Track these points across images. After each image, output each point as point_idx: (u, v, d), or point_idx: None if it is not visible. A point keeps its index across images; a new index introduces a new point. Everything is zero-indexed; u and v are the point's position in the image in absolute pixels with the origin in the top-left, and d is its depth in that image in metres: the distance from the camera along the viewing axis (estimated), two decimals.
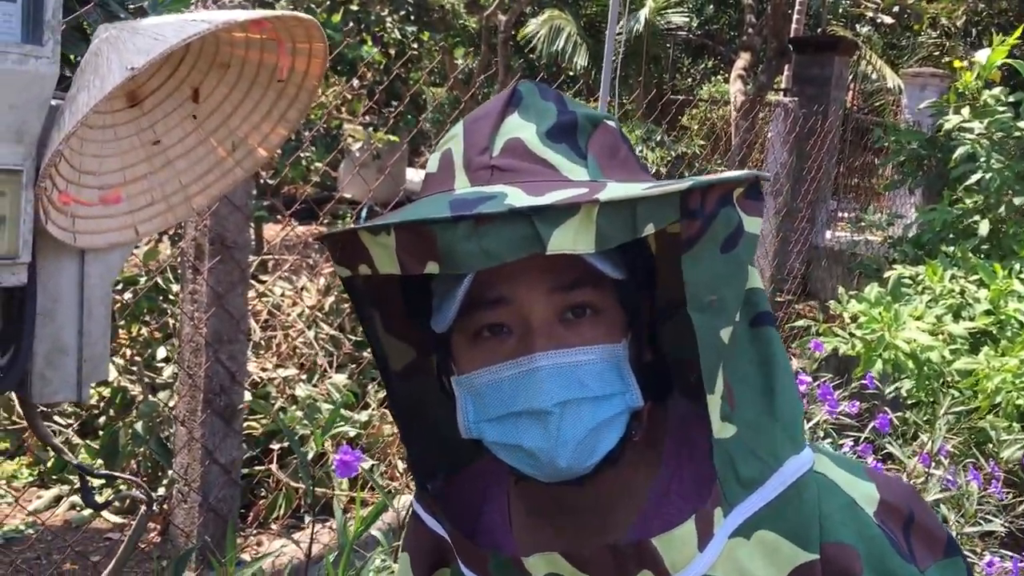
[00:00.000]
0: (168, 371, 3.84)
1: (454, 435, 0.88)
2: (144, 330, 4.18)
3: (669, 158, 5.35)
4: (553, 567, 0.80)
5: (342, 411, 3.55)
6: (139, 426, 3.46)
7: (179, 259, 2.25)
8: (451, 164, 0.82)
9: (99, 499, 2.93)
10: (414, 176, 11.98)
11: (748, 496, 0.79)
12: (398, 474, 3.50)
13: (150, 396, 3.64)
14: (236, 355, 2.15)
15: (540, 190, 0.75)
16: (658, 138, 5.41)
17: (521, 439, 0.79)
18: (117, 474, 1.66)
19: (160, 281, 4.27)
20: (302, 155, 6.26)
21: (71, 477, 3.59)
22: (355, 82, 6.99)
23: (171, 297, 4.42)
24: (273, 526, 3.30)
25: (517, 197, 0.74)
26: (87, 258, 1.43)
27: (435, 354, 0.92)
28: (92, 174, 1.41)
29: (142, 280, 4.22)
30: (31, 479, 3.67)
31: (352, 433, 3.57)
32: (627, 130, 5.62)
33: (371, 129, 7.30)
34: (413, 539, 1.00)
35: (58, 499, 3.56)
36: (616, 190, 0.74)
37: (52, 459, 3.65)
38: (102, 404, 3.89)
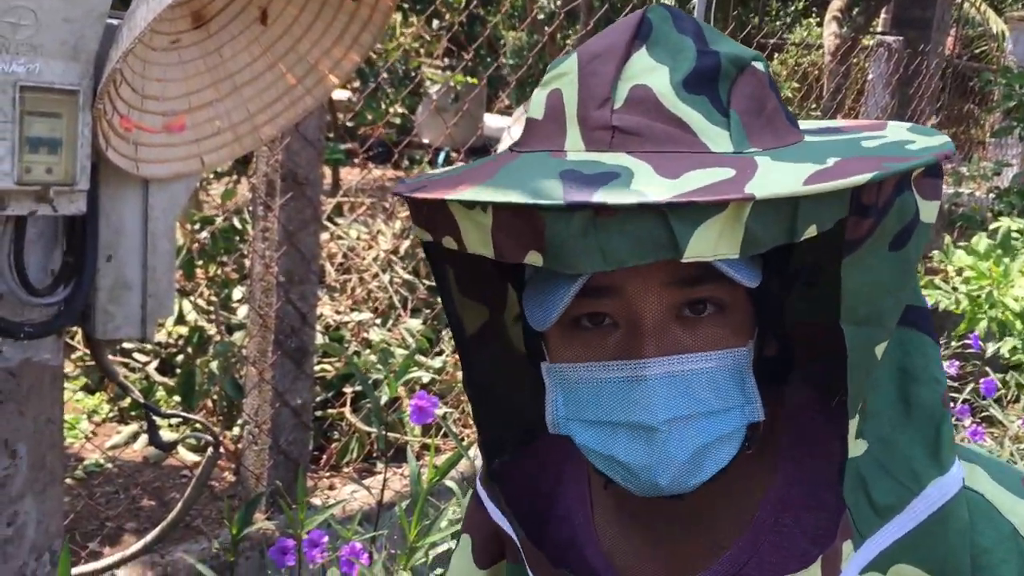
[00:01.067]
0: (243, 311, 3.83)
1: (530, 409, 0.76)
2: (220, 271, 4.18)
3: None
4: None
5: (416, 357, 3.50)
6: (214, 365, 3.46)
7: (252, 196, 2.19)
8: (561, 113, 0.66)
9: (174, 436, 2.94)
10: (491, 121, 11.85)
11: (884, 525, 0.66)
12: (472, 422, 3.45)
13: (226, 336, 3.64)
14: (307, 296, 2.09)
15: (675, 168, 0.60)
16: None
17: (617, 451, 0.67)
18: (184, 414, 1.61)
19: (236, 221, 4.26)
20: (380, 97, 6.19)
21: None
22: (434, 23, 6.86)
23: (247, 237, 4.42)
24: (345, 470, 3.28)
25: (646, 177, 0.59)
26: (151, 189, 1.36)
27: (517, 318, 0.79)
28: (155, 99, 1.33)
29: (219, 220, 4.22)
30: (110, 415, 3.71)
31: (425, 379, 3.52)
32: None
33: (449, 71, 7.19)
34: (475, 523, 0.89)
35: (136, 435, 3.59)
36: (773, 179, 0.59)
37: (130, 397, 3.68)
38: (180, 343, 3.91)
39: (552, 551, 0.78)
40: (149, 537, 1.62)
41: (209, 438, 1.57)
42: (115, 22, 1.19)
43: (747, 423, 0.68)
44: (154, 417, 1.57)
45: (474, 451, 1.90)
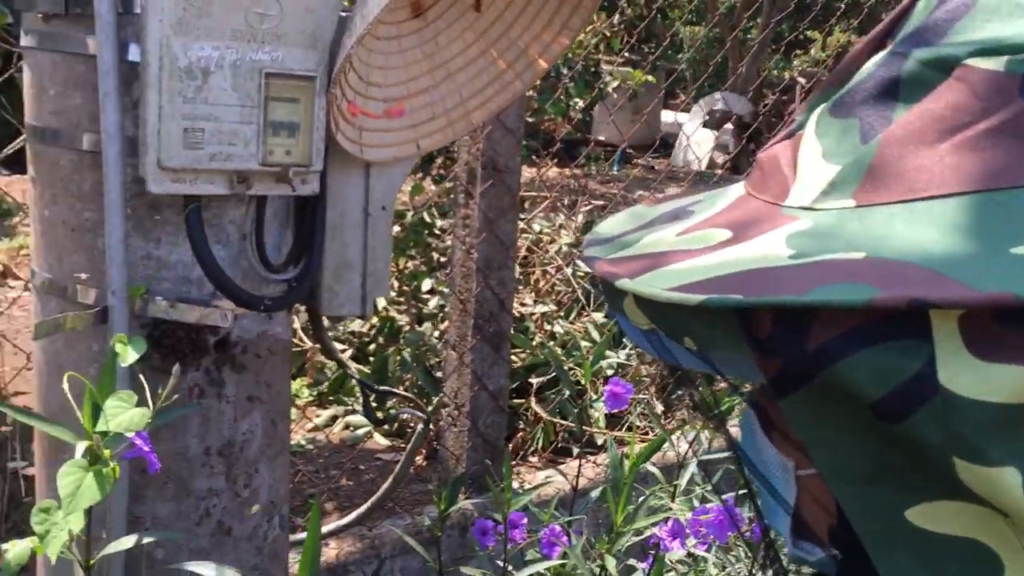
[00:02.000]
0: (433, 302, 3.95)
1: None
2: (410, 263, 4.33)
3: None
4: None
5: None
6: (406, 354, 3.58)
7: (452, 183, 2.25)
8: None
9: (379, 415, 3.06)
10: (668, 118, 11.73)
11: None
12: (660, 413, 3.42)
13: (416, 326, 3.76)
14: (505, 281, 2.14)
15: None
16: None
17: None
18: (395, 390, 1.68)
19: (426, 216, 4.40)
20: (561, 94, 6.23)
21: (346, 399, 3.79)
22: (615, 17, 6.84)
23: (436, 231, 4.55)
24: (532, 459, 3.32)
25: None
26: (372, 172, 1.42)
27: None
28: (378, 86, 1.40)
29: (409, 215, 4.36)
30: (310, 398, 3.91)
31: (609, 373, 3.53)
32: None
33: (629, 69, 7.15)
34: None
35: (334, 419, 3.76)
36: (678, 269, 0.44)
37: (329, 381, 3.87)
38: (372, 332, 4.07)
39: None
40: (362, 509, 1.69)
41: (419, 415, 1.63)
42: (344, 15, 1.25)
43: None
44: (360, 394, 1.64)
45: (673, 438, 1.89)
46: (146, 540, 1.13)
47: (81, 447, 1.02)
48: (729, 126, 9.95)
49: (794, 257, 0.41)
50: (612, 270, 0.46)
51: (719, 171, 8.84)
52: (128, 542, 1.11)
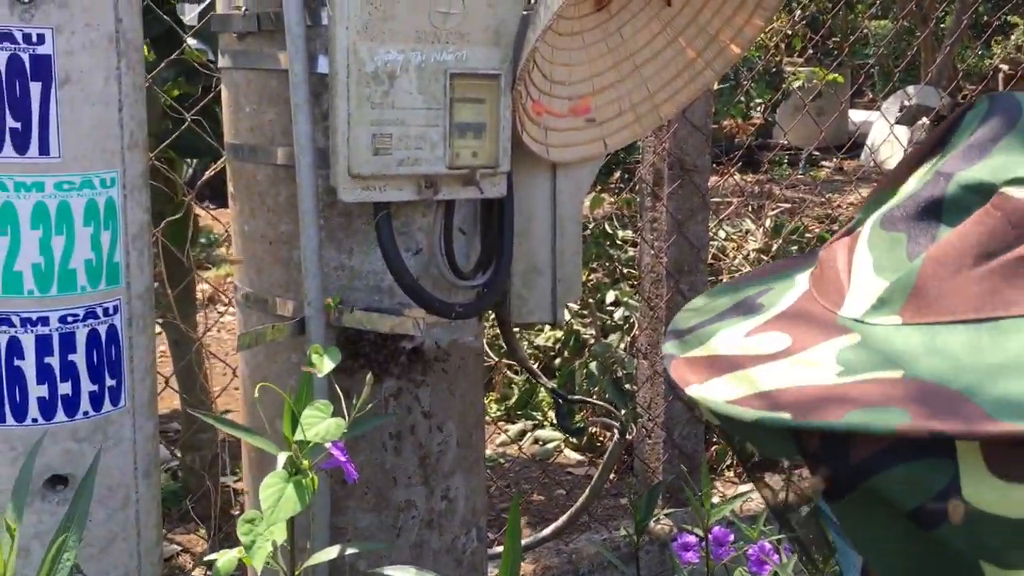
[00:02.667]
0: (618, 314, 3.89)
1: None
2: (592, 275, 4.28)
3: None
4: None
5: None
6: (593, 366, 3.53)
7: (637, 187, 2.19)
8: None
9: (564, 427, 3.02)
10: (857, 116, 11.18)
11: None
12: None
13: (602, 338, 3.71)
14: (697, 286, 2.05)
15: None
16: None
17: None
18: (589, 399, 1.62)
19: (607, 227, 4.35)
20: (742, 96, 6.04)
21: (534, 413, 3.77)
22: (796, 14, 6.59)
23: (617, 242, 4.49)
24: (729, 473, 3.19)
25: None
26: (558, 173, 1.38)
27: None
28: (562, 83, 1.35)
29: (589, 227, 4.32)
30: (498, 413, 3.92)
31: None
32: None
33: (813, 68, 6.86)
34: None
35: (522, 434, 3.75)
36: (737, 379, 0.49)
37: (517, 395, 3.86)
38: (557, 346, 4.04)
39: None
40: (560, 522, 1.64)
41: (614, 424, 1.57)
42: (525, 12, 1.21)
43: None
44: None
45: None
46: (349, 551, 1.12)
47: (282, 458, 1.02)
48: (925, 121, 9.39)
49: (841, 374, 0.46)
50: (683, 375, 0.52)
51: None
52: (332, 553, 1.10)
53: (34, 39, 0.91)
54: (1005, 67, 9.18)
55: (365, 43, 1.09)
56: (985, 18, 9.62)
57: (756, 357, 0.51)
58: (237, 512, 2.53)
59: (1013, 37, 12.14)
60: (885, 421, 0.42)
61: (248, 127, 1.26)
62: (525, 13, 1.21)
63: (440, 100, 1.13)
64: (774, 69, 6.53)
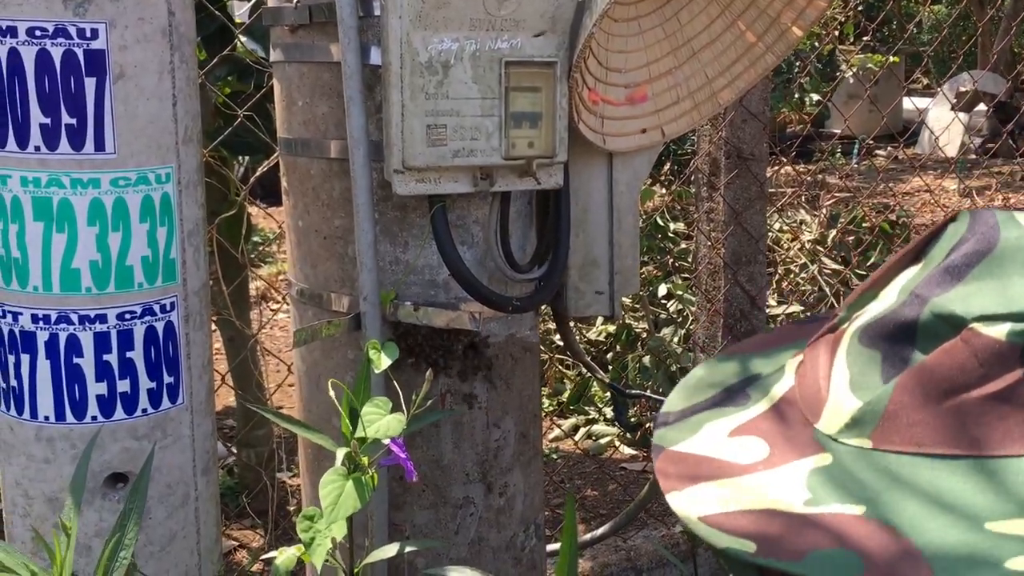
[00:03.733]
0: (671, 307, 3.84)
1: None
2: (644, 269, 4.24)
3: None
4: None
5: None
6: (647, 360, 3.49)
7: (693, 178, 2.15)
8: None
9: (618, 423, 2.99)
10: (910, 103, 10.94)
11: None
12: None
13: (655, 332, 3.67)
14: (755, 277, 2.00)
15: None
16: None
17: None
18: (646, 393, 1.59)
19: (659, 220, 4.30)
20: (794, 88, 5.94)
21: (587, 408, 3.74)
22: (851, 2, 6.45)
23: (669, 235, 4.44)
24: None
25: None
26: (615, 163, 1.35)
27: None
28: (618, 71, 1.32)
29: (641, 220, 4.27)
30: (551, 408, 3.89)
31: None
32: None
33: (868, 54, 6.73)
34: None
35: (575, 428, 3.72)
36: (710, 495, 0.53)
37: (568, 391, 3.84)
38: (609, 340, 4.01)
39: None
40: (618, 520, 1.61)
41: None
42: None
43: None
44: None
45: None
46: (407, 549, 1.11)
47: (341, 454, 1.01)
48: (981, 107, 9.16)
49: (808, 503, 0.49)
50: (666, 475, 0.55)
51: (973, 156, 8.13)
52: (391, 551, 1.09)
53: (88, 34, 0.90)
54: None
55: (419, 32, 1.07)
56: None
57: (734, 466, 0.54)
58: (293, 508, 2.54)
59: None
60: (844, 570, 0.45)
61: (301, 121, 1.25)
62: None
63: (495, 89, 1.11)
64: (827, 58, 6.40)
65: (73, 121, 0.91)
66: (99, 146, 0.93)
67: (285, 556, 1.04)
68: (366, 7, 1.14)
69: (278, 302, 5.54)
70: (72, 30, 0.89)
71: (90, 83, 0.91)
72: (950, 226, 0.54)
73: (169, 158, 0.98)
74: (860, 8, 6.58)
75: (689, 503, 0.53)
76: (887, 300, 0.54)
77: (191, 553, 1.07)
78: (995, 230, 0.52)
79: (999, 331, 0.48)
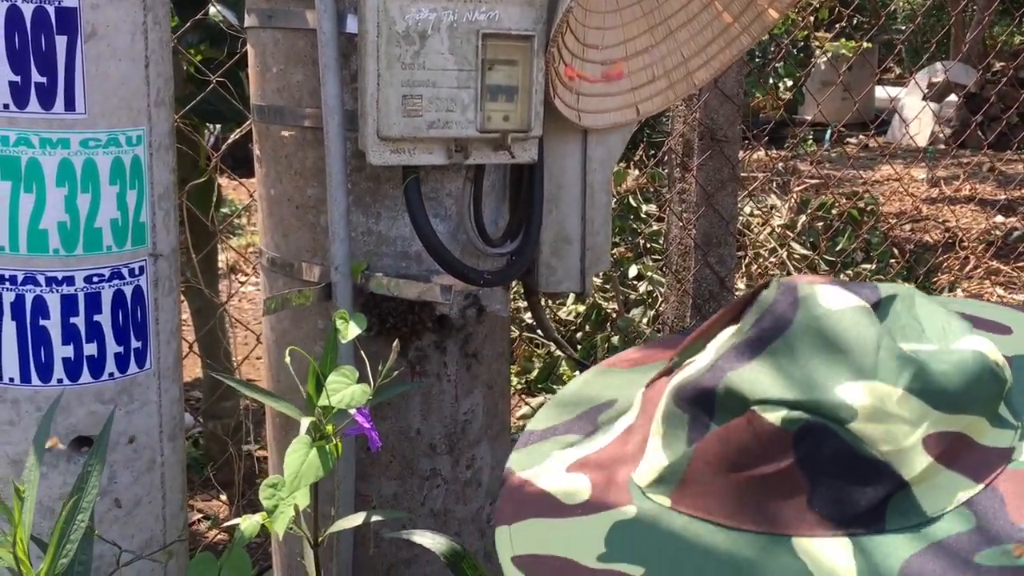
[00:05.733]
0: (641, 288, 3.86)
1: None
2: (616, 250, 4.26)
3: None
4: None
5: None
6: (615, 340, 3.51)
7: (666, 159, 2.16)
8: None
9: None
10: (882, 92, 11.03)
11: None
12: None
13: (624, 313, 3.69)
14: (725, 259, 2.02)
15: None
16: None
17: None
18: None
19: (631, 200, 4.31)
20: (768, 73, 5.97)
21: (555, 387, 3.76)
22: None
23: (641, 216, 4.45)
24: None
25: None
26: (589, 140, 1.35)
27: None
28: (595, 48, 1.32)
29: (613, 201, 4.29)
30: (519, 386, 3.90)
31: None
32: None
33: (842, 41, 6.76)
34: None
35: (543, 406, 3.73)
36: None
37: (537, 369, 3.85)
38: (579, 320, 4.02)
39: None
40: None
41: None
42: None
43: None
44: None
45: None
46: (373, 519, 1.11)
47: (305, 423, 1.01)
48: (953, 98, 9.25)
49: (600, 557, 0.55)
50: (503, 505, 0.61)
51: (942, 146, 8.20)
52: (356, 520, 1.09)
53: None
54: None
55: (396, 1, 1.06)
56: None
57: (562, 507, 0.59)
58: (259, 479, 2.53)
59: None
60: None
61: (275, 88, 1.24)
62: None
63: (472, 61, 1.11)
64: (802, 43, 6.43)
65: (43, 80, 0.90)
66: (69, 106, 0.91)
67: (249, 523, 1.04)
68: None
69: (247, 274, 5.50)
70: None
71: (61, 41, 0.90)
72: (763, 293, 0.58)
73: (141, 120, 0.97)
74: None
75: (508, 541, 0.58)
76: (704, 358, 0.59)
77: (156, 518, 1.07)
78: (792, 308, 0.55)
79: (775, 416, 0.52)
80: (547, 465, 0.64)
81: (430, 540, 1.09)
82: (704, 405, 0.56)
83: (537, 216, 1.28)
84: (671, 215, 2.02)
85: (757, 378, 0.54)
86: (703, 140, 1.90)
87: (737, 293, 3.81)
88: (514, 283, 1.50)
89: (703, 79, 1.42)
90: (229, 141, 1.86)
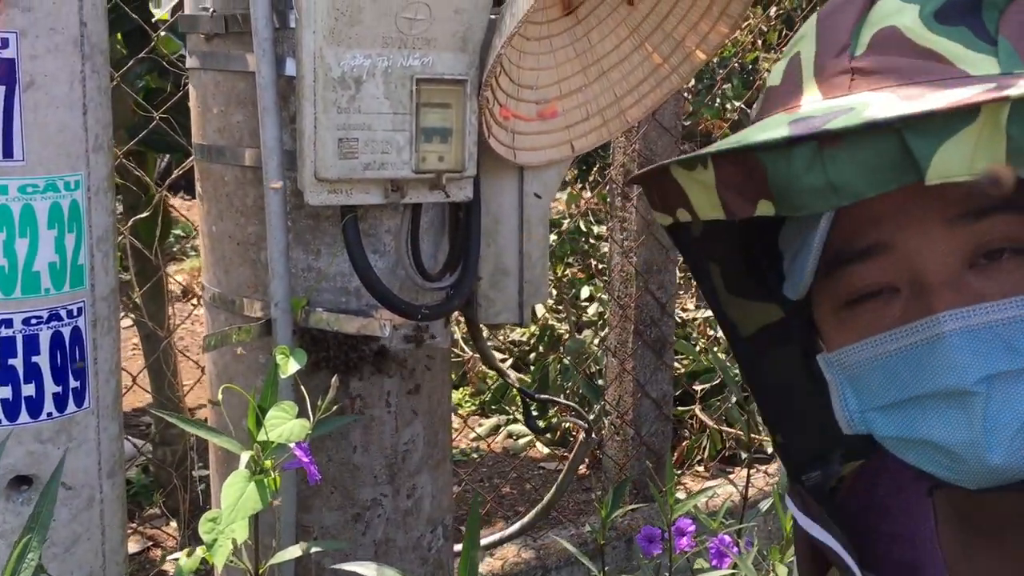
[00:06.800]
0: (592, 309, 3.91)
1: (831, 421, 0.67)
2: (568, 271, 4.31)
3: None
4: None
5: None
6: (567, 361, 3.56)
7: (608, 188, 2.21)
8: (798, 73, 0.62)
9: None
10: None
11: None
12: None
13: (576, 334, 3.73)
14: (666, 285, 2.06)
15: (923, 92, 0.52)
16: None
17: (930, 432, 0.57)
18: (555, 399, 1.64)
19: (582, 223, 4.37)
20: (717, 94, 6.09)
21: (508, 408, 3.79)
22: (772, 11, 6.61)
23: (592, 238, 4.51)
24: (698, 468, 3.22)
25: (885, 105, 0.52)
26: (525, 176, 1.39)
27: (793, 323, 0.72)
28: (530, 88, 1.37)
29: (565, 223, 4.34)
30: (473, 408, 3.93)
31: None
32: None
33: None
34: (796, 540, 0.78)
35: (496, 428, 3.77)
36: None
37: (490, 391, 3.88)
38: (532, 341, 4.07)
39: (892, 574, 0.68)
40: (526, 519, 1.66)
41: (579, 423, 1.59)
42: (494, 16, 1.23)
43: None
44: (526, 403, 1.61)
45: None
46: (314, 549, 1.14)
47: (245, 457, 1.03)
48: None
49: None
50: (967, 100, 0.49)
51: None
52: (296, 551, 1.11)
53: None
54: None
55: (332, 48, 1.10)
56: None
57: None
58: (208, 506, 2.53)
59: None
60: None
61: (216, 128, 1.27)
62: (492, 17, 1.22)
63: (406, 105, 1.15)
64: (751, 67, 6.56)
65: None
66: (7, 153, 0.94)
67: (190, 557, 1.06)
68: (281, 19, 1.17)
69: (200, 296, 5.46)
70: None
71: None
72: None
73: (79, 166, 1.00)
74: (780, 18, 6.74)
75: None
76: None
77: (95, 555, 1.09)
78: None
79: None
80: None
81: (373, 571, 1.12)
82: (975, 6, 0.57)
83: (474, 251, 1.32)
84: (613, 243, 2.07)
85: None
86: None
87: (687, 315, 3.88)
88: (455, 316, 1.54)
89: (636, 117, 1.47)
90: (177, 173, 1.88)
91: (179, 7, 1.35)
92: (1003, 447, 0.55)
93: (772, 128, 0.55)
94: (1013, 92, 0.47)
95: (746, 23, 7.07)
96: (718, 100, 6.13)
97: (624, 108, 1.44)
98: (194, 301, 5.41)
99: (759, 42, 7.24)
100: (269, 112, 1.16)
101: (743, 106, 6.72)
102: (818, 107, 0.56)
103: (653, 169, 0.61)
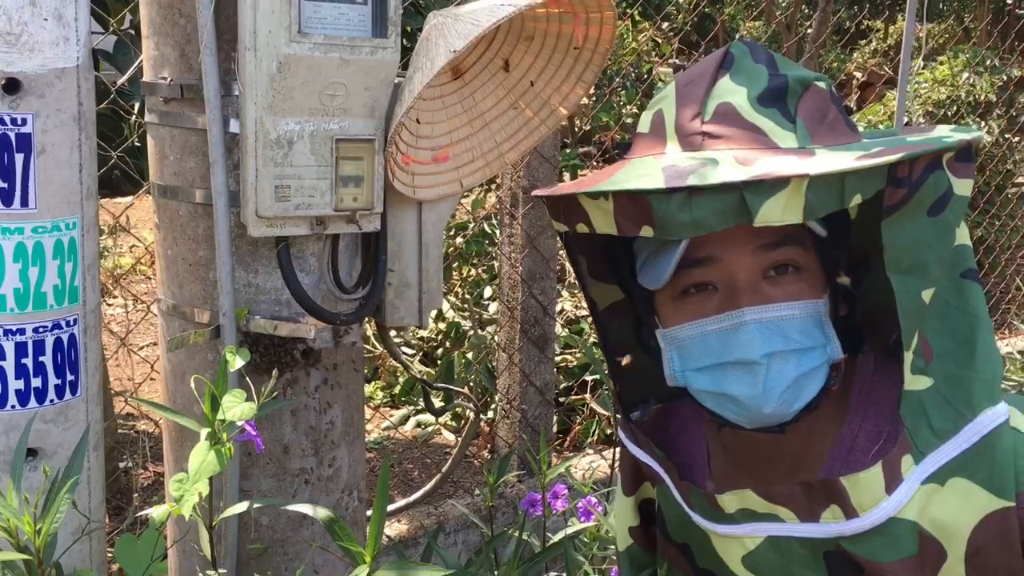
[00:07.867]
0: (493, 307, 4.27)
1: (656, 374, 0.93)
2: (473, 272, 4.64)
3: (1000, 83, 4.98)
4: (745, 503, 0.85)
5: None
6: (470, 355, 3.90)
7: (499, 207, 2.56)
8: (663, 127, 0.85)
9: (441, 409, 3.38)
10: None
11: (941, 445, 0.78)
12: None
13: (479, 330, 4.08)
14: (547, 290, 2.42)
15: (750, 158, 0.76)
16: (988, 63, 5.04)
17: (729, 387, 0.83)
18: (450, 387, 1.98)
19: (486, 227, 4.71)
20: (614, 99, 6.49)
21: (417, 399, 4.11)
22: (664, 25, 7.07)
23: (496, 241, 4.86)
24: (588, 450, 3.61)
25: (728, 166, 0.75)
26: (423, 208, 1.73)
27: (638, 304, 0.98)
28: (426, 138, 1.71)
29: (471, 226, 4.67)
30: (384, 400, 4.24)
31: None
32: (949, 57, 5.26)
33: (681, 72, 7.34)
34: (622, 461, 1.11)
35: (406, 418, 4.09)
36: (825, 161, 0.73)
37: (400, 384, 4.20)
38: (439, 337, 4.39)
39: (680, 473, 1.00)
40: (427, 487, 2.00)
41: (471, 407, 1.93)
42: (398, 81, 1.56)
43: (829, 359, 0.84)
44: (429, 390, 1.95)
45: None
46: (255, 506, 1.46)
47: (205, 432, 1.34)
48: None
49: (895, 143, 0.81)
50: (784, 174, 0.78)
51: None
52: (241, 507, 1.43)
53: (19, 122, 1.21)
54: (859, 75, 9.91)
55: (270, 116, 1.42)
56: (847, 24, 10.32)
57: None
58: (137, 494, 2.80)
59: (874, 43, 12.96)
60: (957, 142, 0.76)
61: (172, 172, 1.57)
62: (398, 81, 1.56)
63: (328, 159, 1.47)
64: (646, 77, 7.00)
65: (5, 185, 1.22)
66: (24, 203, 1.24)
67: (160, 510, 1.37)
68: (227, 87, 1.48)
69: (115, 296, 5.61)
70: (7, 119, 1.20)
71: (19, 157, 1.22)
72: None
73: (76, 211, 1.30)
74: (673, 32, 7.17)
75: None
76: None
77: (84, 510, 1.39)
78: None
79: (823, 84, 0.89)
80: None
81: (310, 509, 1.44)
82: (782, 95, 0.84)
83: (382, 269, 1.65)
84: (501, 255, 2.42)
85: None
86: (526, 193, 2.31)
87: (572, 314, 4.26)
88: (367, 320, 1.87)
89: (513, 158, 1.82)
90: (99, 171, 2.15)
91: (139, 75, 1.65)
92: (774, 401, 0.82)
93: (650, 173, 0.77)
94: (812, 171, 0.71)
95: (643, 35, 7.50)
96: (615, 105, 6.53)
97: (503, 152, 1.79)
98: (109, 300, 5.54)
99: (653, 53, 7.68)
100: (218, 163, 1.47)
101: (636, 110, 7.15)
102: (680, 157, 0.80)
103: (564, 195, 0.84)
